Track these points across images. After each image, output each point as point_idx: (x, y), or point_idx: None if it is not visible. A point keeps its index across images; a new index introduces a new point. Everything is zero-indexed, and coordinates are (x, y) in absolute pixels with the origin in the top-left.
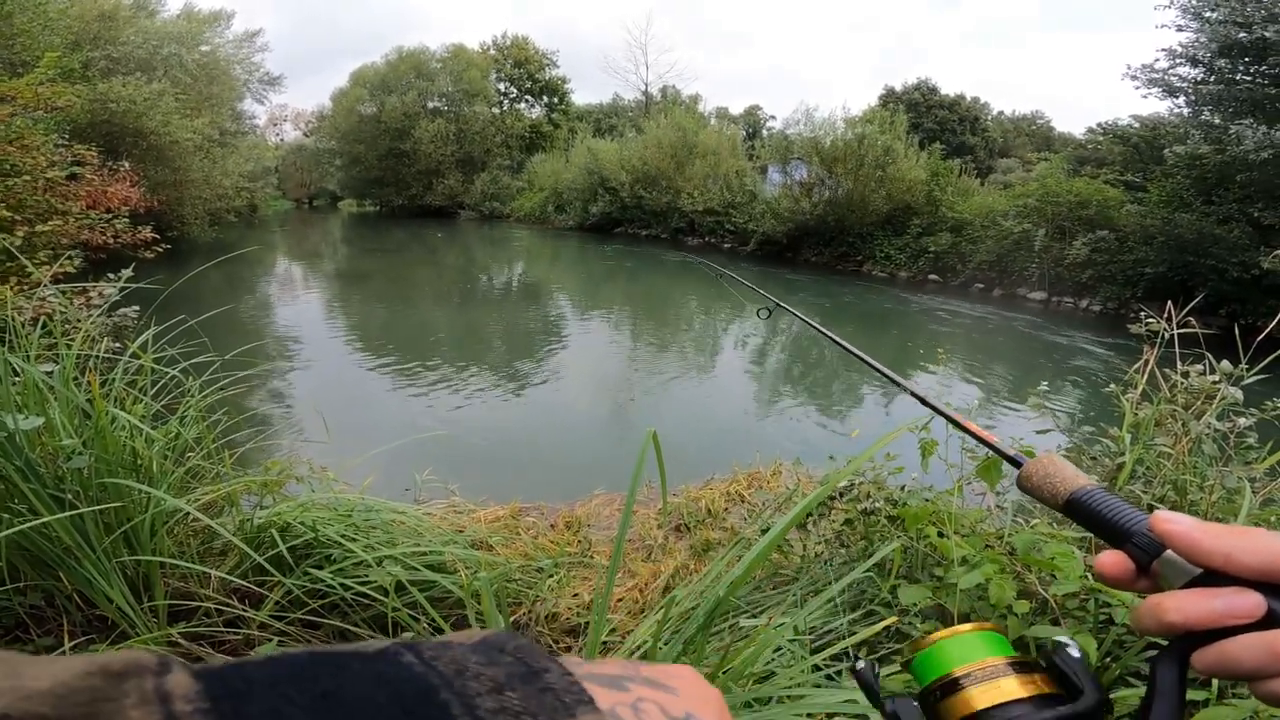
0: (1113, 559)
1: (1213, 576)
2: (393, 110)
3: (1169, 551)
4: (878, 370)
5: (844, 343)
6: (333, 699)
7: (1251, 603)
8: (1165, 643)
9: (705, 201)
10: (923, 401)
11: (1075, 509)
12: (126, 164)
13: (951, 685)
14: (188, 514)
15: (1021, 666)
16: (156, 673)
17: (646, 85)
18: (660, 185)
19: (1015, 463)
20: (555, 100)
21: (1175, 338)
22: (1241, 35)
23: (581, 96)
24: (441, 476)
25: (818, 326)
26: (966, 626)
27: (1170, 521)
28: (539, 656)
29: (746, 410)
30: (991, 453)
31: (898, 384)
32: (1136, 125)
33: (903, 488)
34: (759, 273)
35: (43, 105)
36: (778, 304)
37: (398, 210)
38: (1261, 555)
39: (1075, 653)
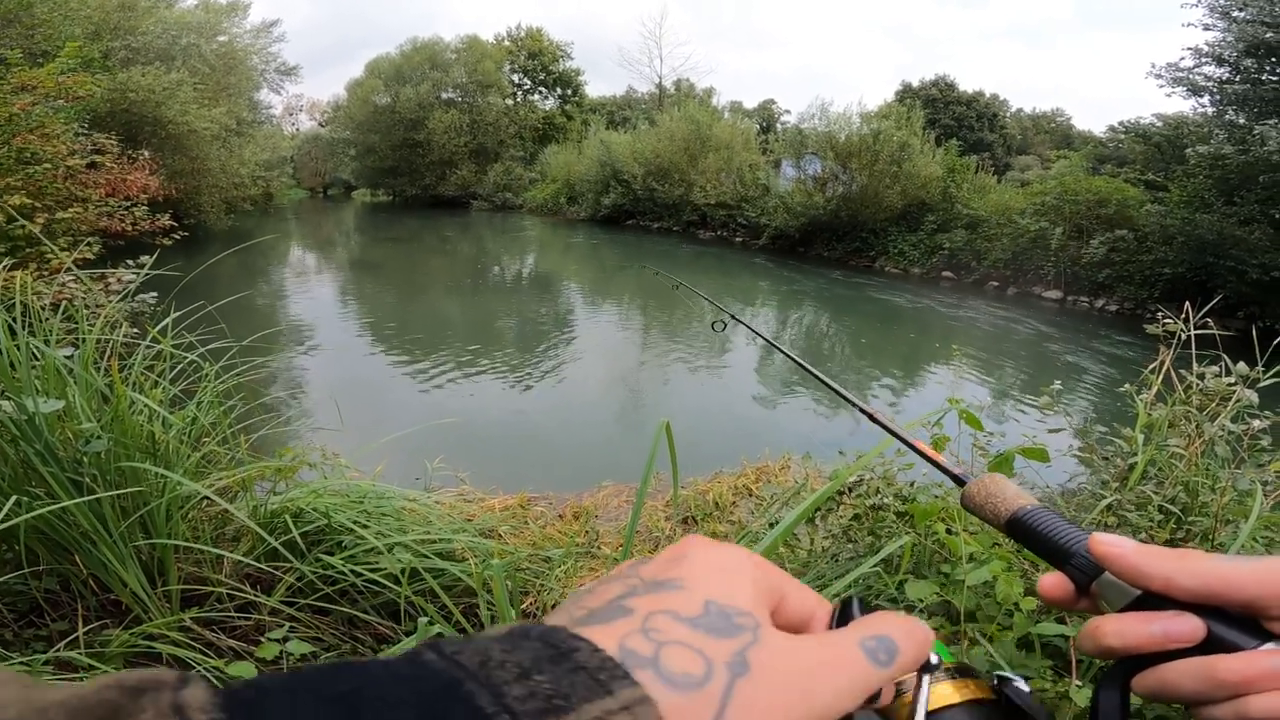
0: (1053, 580)
1: (1152, 599)
2: (407, 101)
3: (1108, 573)
4: (832, 388)
5: (798, 358)
6: (349, 698)
7: (1190, 627)
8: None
9: (718, 195)
10: (872, 418)
11: (1016, 529)
12: (145, 152)
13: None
14: (203, 499)
15: (956, 673)
16: (175, 688)
17: (660, 78)
18: (673, 178)
19: (960, 481)
20: (569, 92)
21: (1193, 339)
22: (1269, 35)
23: (595, 88)
24: (452, 465)
25: (771, 340)
26: None
27: (1108, 544)
28: (567, 637)
29: (755, 403)
30: (945, 472)
31: (850, 402)
32: (1159, 124)
33: (912, 484)
34: (771, 266)
35: (63, 94)
36: (733, 317)
37: (411, 200)
38: (1201, 578)
39: (1024, 686)
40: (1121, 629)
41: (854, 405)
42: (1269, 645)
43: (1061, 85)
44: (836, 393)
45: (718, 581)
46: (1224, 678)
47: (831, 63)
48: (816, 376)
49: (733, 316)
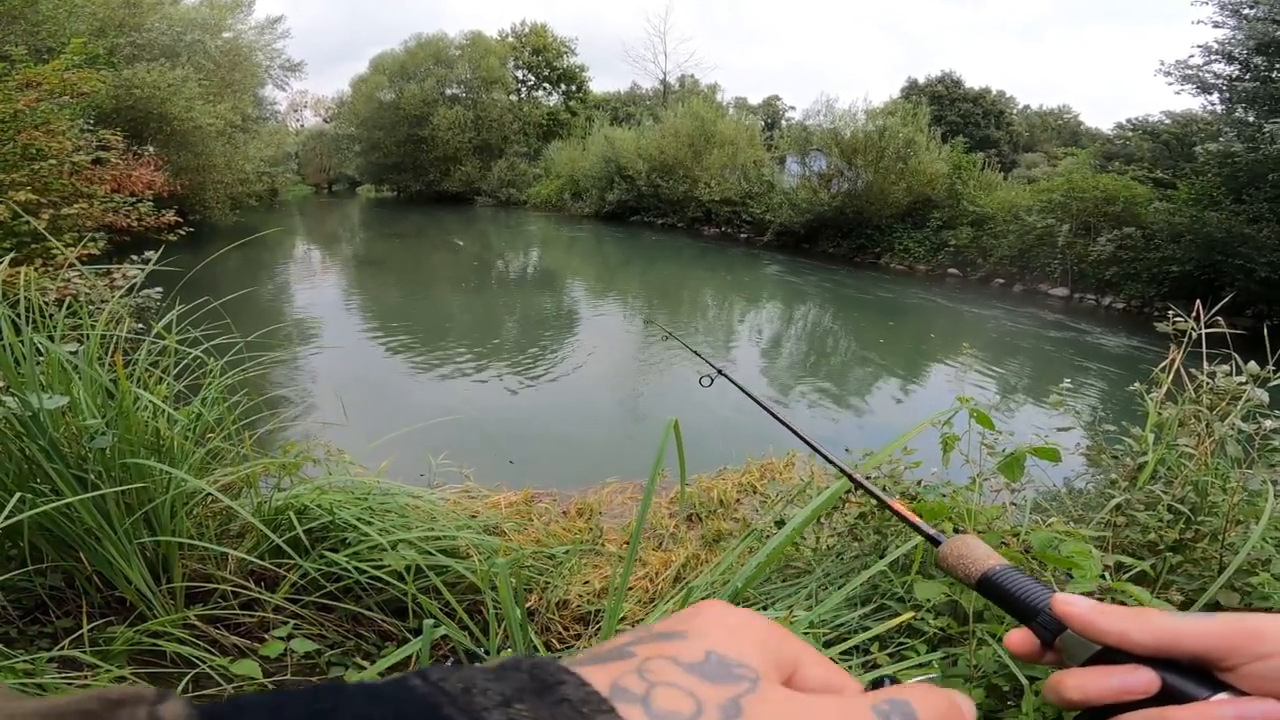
0: (1020, 636)
1: (1112, 653)
2: (411, 97)
3: (1070, 630)
4: (806, 441)
5: (777, 414)
6: (327, 717)
7: (1145, 680)
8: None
9: (722, 191)
10: (851, 479)
11: (986, 587)
12: (151, 149)
13: None
14: (207, 495)
15: None
16: (153, 702)
17: (665, 74)
18: (677, 174)
19: (934, 541)
20: (573, 88)
21: (1203, 337)
22: None
23: (599, 84)
24: (456, 461)
25: (755, 397)
26: None
27: (1068, 604)
28: (556, 670)
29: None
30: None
31: (826, 458)
32: (1167, 121)
33: (919, 482)
34: (775, 263)
35: (69, 91)
36: (720, 372)
37: (415, 196)
38: (1155, 634)
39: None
40: (1081, 683)
41: (833, 464)
42: (1220, 696)
43: (1062, 83)
44: (818, 452)
45: (723, 636)
46: None
47: (824, 58)
48: (800, 436)
49: (720, 372)
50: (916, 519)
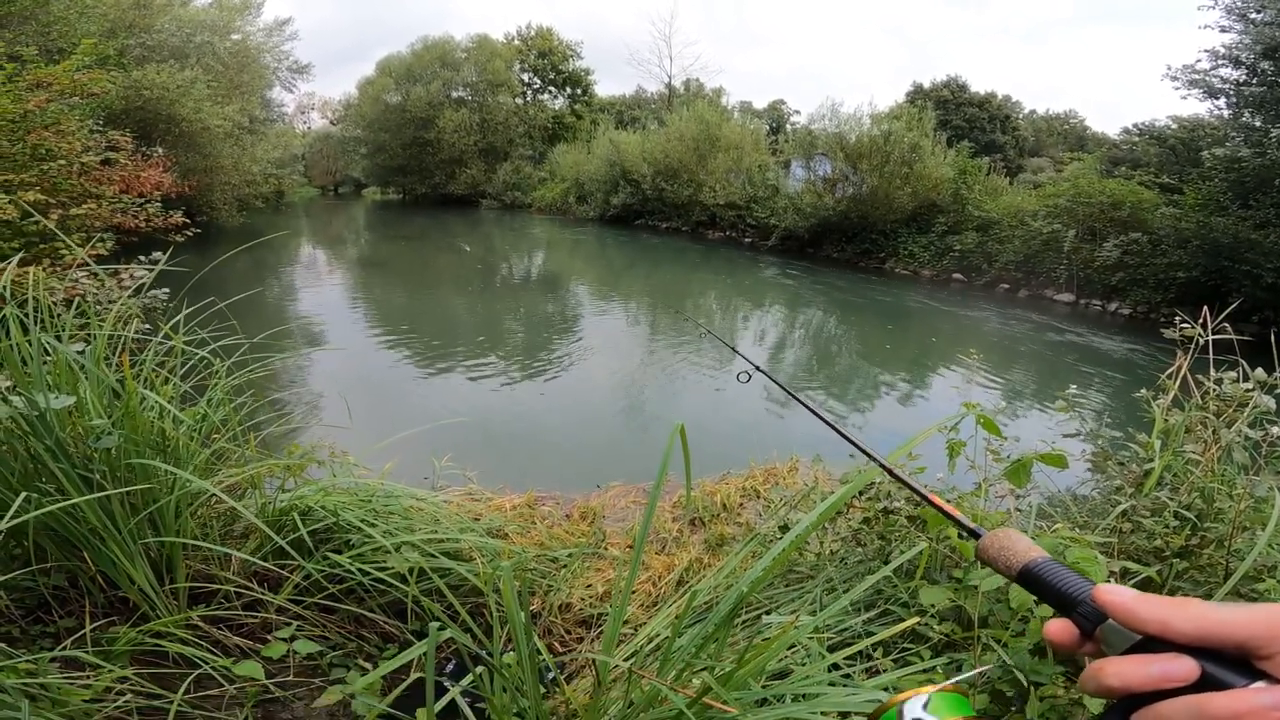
0: (1059, 626)
1: (1151, 642)
2: (417, 99)
3: (1111, 620)
4: (846, 438)
5: (816, 409)
6: None
7: (1185, 668)
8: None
9: (727, 195)
10: (891, 473)
11: (1027, 579)
12: (159, 150)
13: None
14: (211, 496)
15: None
16: None
17: (670, 78)
18: (682, 178)
19: (974, 534)
20: (578, 91)
21: (1210, 344)
22: None
23: (604, 88)
24: (460, 464)
25: (792, 392)
26: (927, 689)
27: (1111, 593)
28: None
29: (763, 404)
30: (954, 523)
31: (866, 454)
32: (1174, 126)
33: (924, 487)
34: (780, 267)
35: (79, 91)
36: (757, 368)
37: (420, 198)
38: (1195, 623)
39: None
40: (1121, 670)
41: (874, 460)
42: (1258, 684)
43: (1066, 87)
44: (856, 446)
45: None
46: (1215, 714)
47: (828, 61)
48: (837, 431)
49: (757, 368)
50: (955, 512)
